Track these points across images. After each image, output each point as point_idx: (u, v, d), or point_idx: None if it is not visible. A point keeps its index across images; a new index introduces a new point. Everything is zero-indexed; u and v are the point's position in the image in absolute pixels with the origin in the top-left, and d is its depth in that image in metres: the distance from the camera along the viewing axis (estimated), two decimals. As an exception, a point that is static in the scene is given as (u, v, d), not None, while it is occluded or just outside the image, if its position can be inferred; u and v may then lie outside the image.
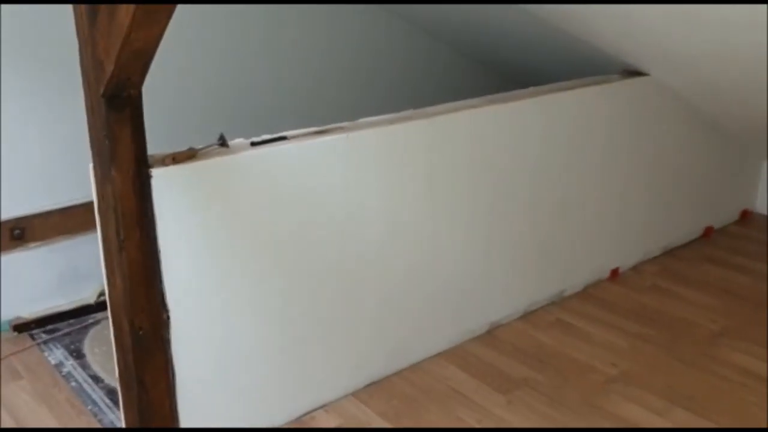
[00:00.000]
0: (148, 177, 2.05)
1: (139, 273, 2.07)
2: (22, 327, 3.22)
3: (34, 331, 3.23)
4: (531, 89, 3.18)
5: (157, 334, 2.17)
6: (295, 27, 3.85)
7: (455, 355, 3.05)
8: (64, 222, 3.24)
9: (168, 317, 2.19)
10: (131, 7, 1.61)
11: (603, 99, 3.35)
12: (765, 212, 4.54)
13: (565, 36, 3.47)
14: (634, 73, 3.53)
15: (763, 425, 2.64)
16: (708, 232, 4.28)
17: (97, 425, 2.65)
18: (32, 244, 3.19)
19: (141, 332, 2.12)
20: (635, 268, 3.87)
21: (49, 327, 3.27)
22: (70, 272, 3.32)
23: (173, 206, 2.13)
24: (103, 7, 1.76)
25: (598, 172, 3.46)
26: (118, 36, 1.71)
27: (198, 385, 2.34)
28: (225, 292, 2.34)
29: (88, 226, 3.24)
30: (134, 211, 2.02)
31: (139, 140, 1.99)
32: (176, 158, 2.13)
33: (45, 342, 3.17)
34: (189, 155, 2.17)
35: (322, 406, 2.72)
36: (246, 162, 2.28)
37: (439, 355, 3.04)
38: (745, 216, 4.51)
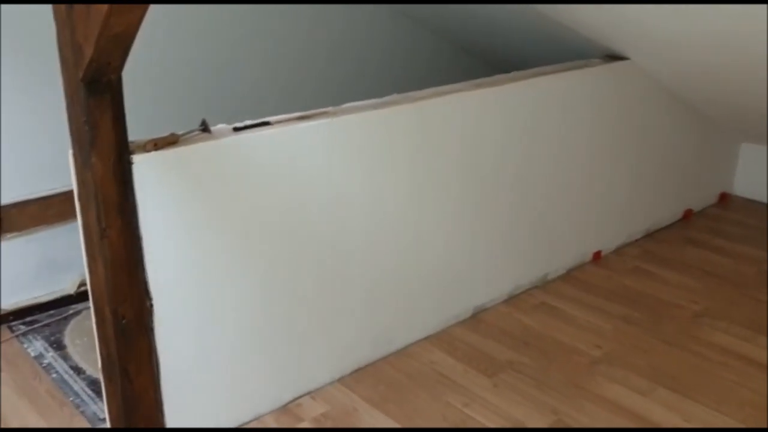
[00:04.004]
0: (130, 163, 2.02)
1: (122, 261, 2.04)
2: (1, 319, 3.17)
3: (12, 323, 3.18)
4: (513, 74, 3.17)
5: (140, 323, 2.14)
6: (279, 13, 3.81)
7: (441, 339, 3.05)
8: (42, 212, 3.18)
9: (151, 305, 2.16)
10: (110, -10, 1.58)
11: (584, 83, 3.36)
12: (743, 194, 4.58)
13: (547, 21, 3.46)
14: (614, 57, 3.54)
15: (744, 403, 2.67)
16: (688, 214, 4.32)
17: (80, 417, 2.62)
18: (9, 235, 3.14)
19: (124, 321, 2.09)
20: (617, 251, 3.89)
21: (29, 318, 3.22)
22: (48, 263, 3.27)
23: (155, 193, 2.10)
24: (82, -10, 1.72)
25: (580, 155, 3.46)
26: (97, 20, 1.68)
27: (182, 373, 2.32)
28: (209, 279, 2.31)
29: (66, 215, 3.20)
30: (115, 198, 1.99)
31: (120, 126, 1.96)
32: (158, 144, 2.10)
33: (24, 334, 3.13)
34: (171, 141, 2.13)
35: (308, 393, 2.71)
36: (228, 148, 2.25)
37: (425, 339, 3.04)
38: (724, 198, 4.55)
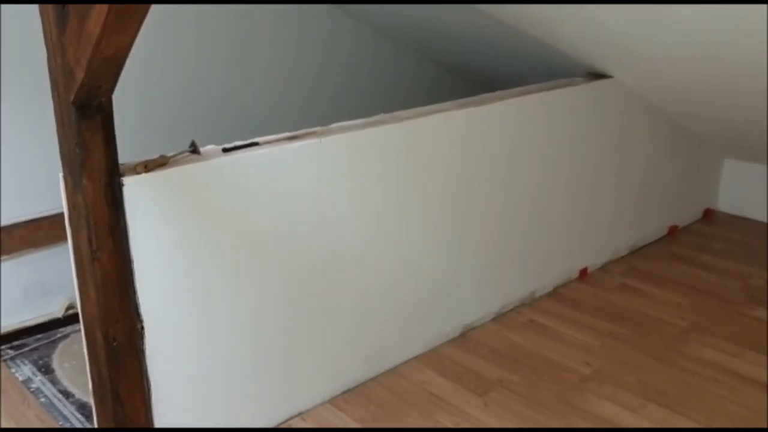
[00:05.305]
0: (120, 186, 2.02)
1: (113, 283, 2.04)
2: (-12, 343, 3.15)
3: (0, 347, 3.15)
4: (498, 93, 3.20)
5: (131, 345, 2.13)
6: (265, 35, 3.84)
7: (431, 358, 3.06)
8: (30, 235, 3.17)
9: (142, 327, 2.16)
10: (102, 13, 1.59)
11: (568, 101, 3.39)
12: (727, 210, 4.63)
13: (529, 40, 3.50)
14: (597, 75, 3.58)
15: (734, 418, 2.69)
16: (673, 230, 4.35)
17: (70, 441, 2.60)
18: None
19: (115, 343, 2.08)
20: (603, 268, 3.92)
21: (16, 342, 3.19)
22: (37, 286, 3.25)
23: (146, 214, 2.10)
24: (73, 14, 1.73)
25: (565, 173, 3.49)
26: (89, 43, 1.69)
27: (173, 395, 2.31)
28: (199, 300, 2.31)
29: (54, 238, 3.19)
30: (106, 221, 1.99)
31: (111, 148, 1.96)
32: (148, 166, 2.10)
33: (12, 358, 3.10)
34: (160, 163, 2.14)
35: (298, 414, 2.70)
36: (218, 169, 2.26)
37: (414, 359, 3.05)
38: (708, 214, 4.60)
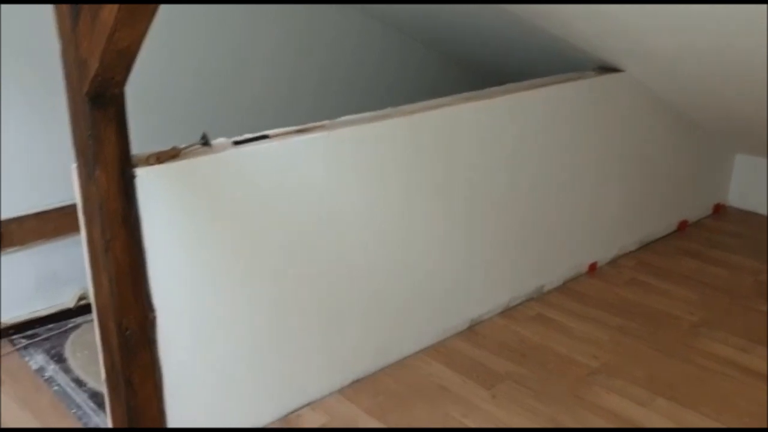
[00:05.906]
0: (133, 176, 2.04)
1: (126, 273, 2.06)
2: (2, 332, 3.17)
3: (13, 337, 3.19)
4: (507, 86, 3.20)
5: (143, 335, 2.16)
6: (274, 28, 3.86)
7: (439, 351, 3.07)
8: (40, 226, 3.20)
9: (154, 317, 2.18)
10: (114, 6, 1.61)
11: (578, 95, 3.39)
12: (737, 205, 4.62)
13: (541, 33, 3.50)
14: (608, 69, 3.58)
15: (742, 413, 2.69)
16: (682, 225, 4.35)
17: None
18: (9, 249, 3.15)
19: (128, 333, 2.11)
20: (612, 262, 3.92)
21: (29, 332, 3.23)
22: (48, 276, 3.28)
23: (158, 205, 2.12)
24: (86, 7, 1.75)
25: (575, 167, 3.49)
26: (102, 35, 1.71)
27: (185, 384, 2.34)
28: (211, 290, 2.33)
29: (64, 229, 3.22)
30: (119, 211, 2.01)
31: (124, 140, 1.98)
32: (160, 158, 2.12)
33: (25, 347, 3.14)
34: (172, 154, 2.16)
35: (308, 404, 2.72)
36: (229, 161, 2.28)
37: (423, 351, 3.06)
38: (718, 209, 4.59)
